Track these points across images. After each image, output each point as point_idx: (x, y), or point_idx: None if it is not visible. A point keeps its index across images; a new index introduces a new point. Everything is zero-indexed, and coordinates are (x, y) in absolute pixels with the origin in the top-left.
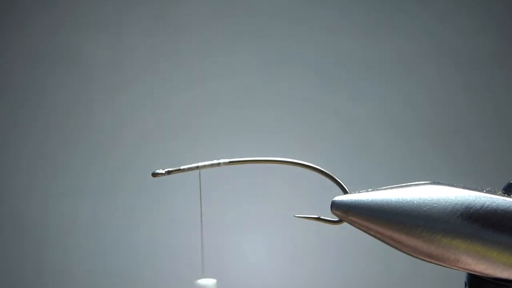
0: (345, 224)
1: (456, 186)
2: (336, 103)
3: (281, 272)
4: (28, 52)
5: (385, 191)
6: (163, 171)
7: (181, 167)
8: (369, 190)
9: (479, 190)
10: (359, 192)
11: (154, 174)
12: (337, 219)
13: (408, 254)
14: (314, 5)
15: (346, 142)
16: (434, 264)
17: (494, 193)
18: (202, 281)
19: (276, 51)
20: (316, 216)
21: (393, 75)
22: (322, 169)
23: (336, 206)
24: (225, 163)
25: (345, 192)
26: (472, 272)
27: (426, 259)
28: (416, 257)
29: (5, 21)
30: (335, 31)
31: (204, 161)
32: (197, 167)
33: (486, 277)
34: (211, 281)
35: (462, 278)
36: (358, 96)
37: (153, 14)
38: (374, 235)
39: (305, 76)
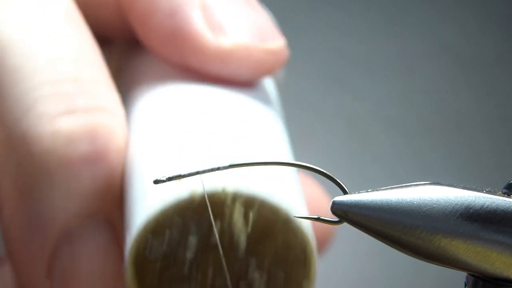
0: (345, 224)
1: (456, 186)
2: (335, 102)
3: None
4: None
5: (385, 191)
6: (164, 178)
7: (181, 173)
8: (369, 190)
9: (479, 190)
10: (359, 192)
11: (156, 182)
12: (337, 219)
13: (408, 254)
14: (314, 3)
15: (346, 142)
16: (433, 264)
17: (494, 193)
18: None
19: None
20: (316, 217)
21: (394, 74)
22: (322, 170)
23: (336, 207)
24: (225, 167)
25: (344, 192)
26: (472, 272)
27: (426, 259)
28: (415, 258)
29: None
30: (335, 29)
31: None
32: (197, 172)
33: (486, 277)
34: None
35: (462, 278)
36: (358, 95)
37: None
38: (374, 236)
39: (304, 75)
